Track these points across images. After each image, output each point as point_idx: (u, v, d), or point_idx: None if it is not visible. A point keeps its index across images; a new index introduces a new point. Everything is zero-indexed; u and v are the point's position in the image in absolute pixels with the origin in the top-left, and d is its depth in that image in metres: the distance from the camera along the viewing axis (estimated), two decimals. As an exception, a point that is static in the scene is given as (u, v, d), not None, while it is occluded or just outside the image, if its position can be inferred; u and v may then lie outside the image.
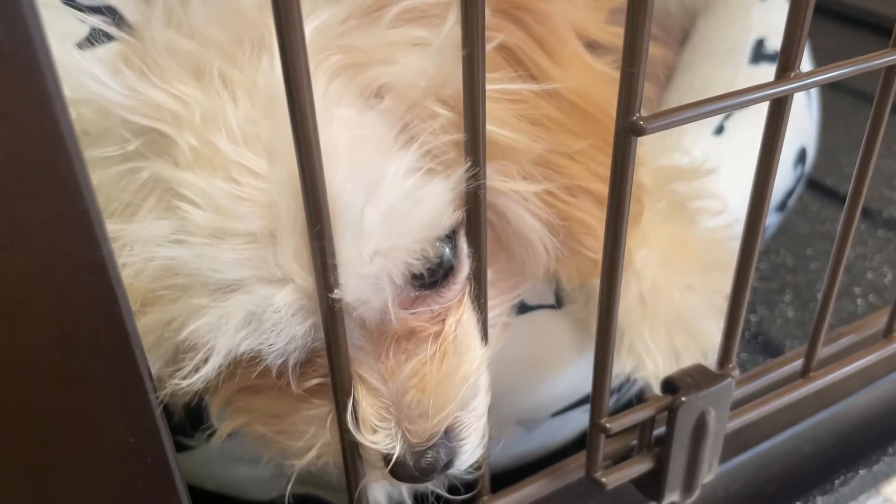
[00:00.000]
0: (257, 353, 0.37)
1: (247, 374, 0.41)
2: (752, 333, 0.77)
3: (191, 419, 0.54)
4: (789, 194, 0.74)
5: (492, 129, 0.38)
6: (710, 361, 0.47)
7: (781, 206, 0.75)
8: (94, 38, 0.47)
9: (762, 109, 0.37)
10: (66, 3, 0.54)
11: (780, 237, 0.88)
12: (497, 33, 0.41)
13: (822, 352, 0.52)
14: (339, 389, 0.36)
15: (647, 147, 0.48)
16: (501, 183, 0.41)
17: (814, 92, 0.76)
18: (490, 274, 0.42)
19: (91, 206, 0.24)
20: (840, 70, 0.37)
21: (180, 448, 0.55)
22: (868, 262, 0.85)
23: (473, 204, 0.34)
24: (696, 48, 0.78)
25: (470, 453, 0.42)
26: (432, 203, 0.38)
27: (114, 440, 0.30)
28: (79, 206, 0.24)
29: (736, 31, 0.74)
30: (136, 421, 0.29)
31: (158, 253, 0.36)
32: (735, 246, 0.42)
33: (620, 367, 0.51)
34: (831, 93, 1.11)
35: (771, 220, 0.75)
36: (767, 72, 0.74)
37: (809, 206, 0.94)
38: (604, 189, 0.41)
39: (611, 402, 0.55)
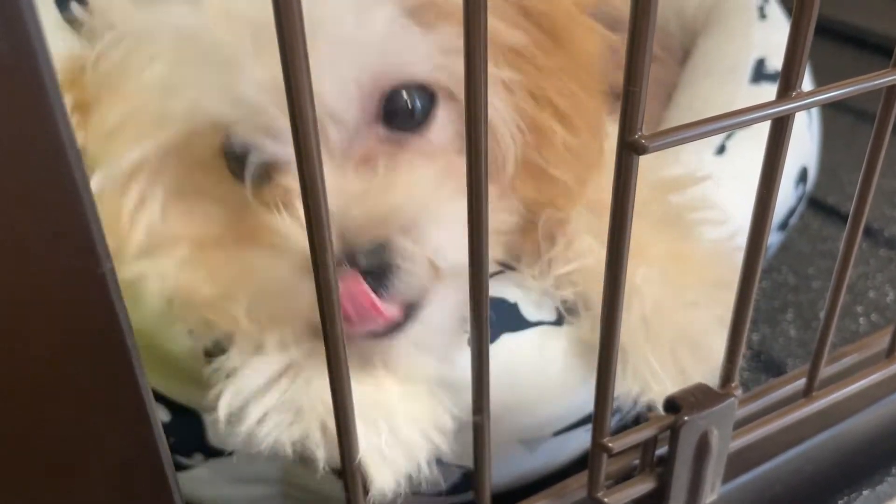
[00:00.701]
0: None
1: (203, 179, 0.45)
2: (754, 352, 0.77)
3: (189, 439, 0.54)
4: (791, 213, 0.74)
5: None
6: (715, 376, 0.47)
7: (783, 226, 0.75)
8: None
9: (763, 129, 0.38)
10: None
11: (782, 256, 0.88)
12: None
13: (825, 371, 0.52)
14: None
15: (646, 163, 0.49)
16: (496, 70, 0.45)
17: (814, 111, 0.76)
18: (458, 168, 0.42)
19: (93, 221, 0.24)
20: (841, 90, 0.37)
21: (178, 468, 0.55)
22: (870, 282, 0.85)
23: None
24: (696, 67, 0.78)
25: (403, 281, 0.42)
26: (411, 46, 0.42)
27: (113, 456, 0.29)
28: (81, 223, 0.24)
29: (736, 51, 0.75)
30: (135, 437, 0.29)
31: None
32: (738, 258, 0.42)
33: (625, 390, 0.51)
34: (831, 111, 1.11)
35: (773, 239, 0.75)
36: (768, 91, 0.74)
37: (811, 225, 0.94)
38: (565, 105, 0.48)
39: (613, 421, 0.55)
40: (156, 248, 0.47)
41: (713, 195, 0.57)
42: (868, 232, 0.93)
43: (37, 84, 0.22)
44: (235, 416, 0.43)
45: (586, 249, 0.51)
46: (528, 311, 0.52)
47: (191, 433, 0.53)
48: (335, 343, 0.32)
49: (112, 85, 0.46)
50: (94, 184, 0.46)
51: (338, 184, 0.42)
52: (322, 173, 0.28)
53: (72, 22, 0.54)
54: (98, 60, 0.46)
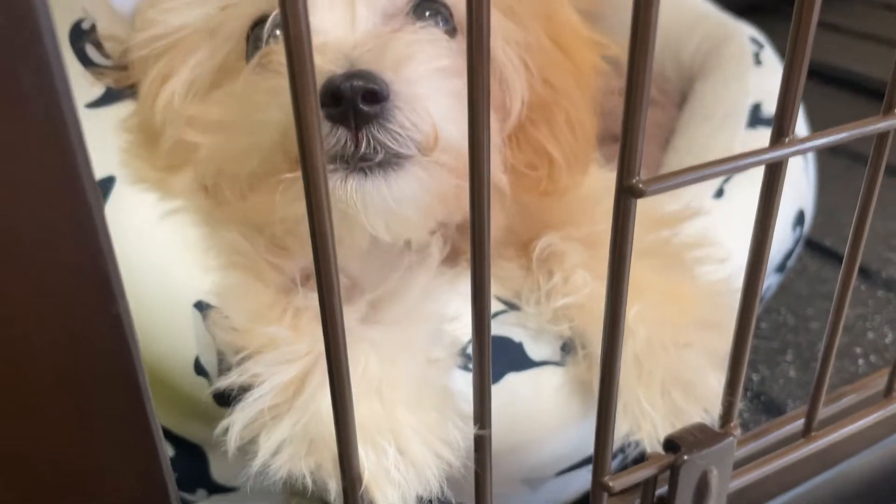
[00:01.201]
0: None
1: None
2: (754, 393, 0.78)
3: (193, 474, 0.54)
4: (788, 255, 0.75)
5: None
6: (713, 418, 0.47)
7: (781, 268, 0.75)
8: None
9: (760, 173, 0.39)
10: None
11: (781, 297, 0.89)
12: None
13: (824, 412, 0.52)
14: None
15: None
16: (500, 18, 0.49)
17: (810, 155, 0.78)
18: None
19: (111, 263, 0.25)
20: (833, 136, 0.38)
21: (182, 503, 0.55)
22: (868, 323, 0.86)
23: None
24: (693, 111, 0.79)
25: (400, 126, 0.43)
26: None
27: (120, 490, 0.30)
28: (99, 264, 0.25)
29: (732, 96, 0.76)
30: (143, 471, 0.30)
31: None
32: (734, 299, 0.43)
33: (617, 428, 0.51)
34: (828, 155, 1.13)
35: (771, 280, 0.76)
36: (765, 135, 0.75)
37: (809, 267, 0.95)
38: (568, 90, 0.52)
39: (615, 462, 0.55)
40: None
41: (711, 236, 0.58)
42: (866, 273, 0.94)
43: (62, 132, 0.23)
44: (246, 449, 0.44)
45: (581, 284, 0.52)
46: (533, 351, 0.52)
47: (195, 469, 0.53)
48: (335, 340, 0.32)
49: None
50: (136, 45, 0.51)
51: (355, 40, 0.45)
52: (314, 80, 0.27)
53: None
54: None
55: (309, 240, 0.28)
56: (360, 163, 0.44)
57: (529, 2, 0.52)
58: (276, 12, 0.47)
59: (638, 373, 0.50)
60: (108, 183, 0.51)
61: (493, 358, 0.35)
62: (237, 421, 0.44)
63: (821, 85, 1.44)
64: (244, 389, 0.45)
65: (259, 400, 0.44)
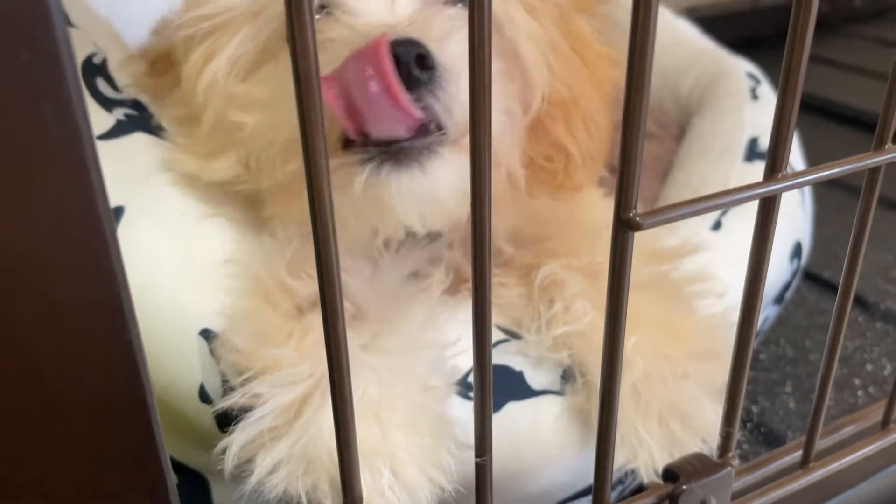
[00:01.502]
0: None
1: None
2: (753, 424, 0.78)
3: (195, 502, 0.55)
4: (786, 288, 0.76)
5: None
6: (711, 448, 0.47)
7: (779, 300, 0.76)
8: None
9: (756, 206, 0.39)
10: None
11: (780, 328, 0.89)
12: None
13: (822, 443, 0.52)
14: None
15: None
16: (525, 17, 0.52)
17: (806, 189, 0.79)
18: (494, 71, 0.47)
19: (123, 289, 0.26)
20: (826, 172, 0.39)
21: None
22: (867, 354, 0.86)
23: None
24: (691, 145, 0.81)
25: (450, 89, 0.44)
26: None
27: (128, 517, 0.30)
28: (112, 290, 0.26)
29: (730, 130, 0.78)
30: (151, 497, 0.30)
31: None
32: (730, 333, 0.43)
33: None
34: (825, 187, 1.14)
35: (769, 312, 0.76)
36: (762, 169, 0.76)
37: (807, 298, 0.96)
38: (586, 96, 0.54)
39: (614, 493, 0.55)
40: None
41: (710, 269, 0.59)
42: (864, 306, 0.95)
43: (80, 163, 0.24)
44: (243, 469, 0.44)
45: (581, 313, 0.53)
46: (533, 380, 0.53)
47: (197, 496, 0.53)
48: (337, 351, 0.33)
49: None
50: (181, 24, 0.52)
51: (396, 19, 0.46)
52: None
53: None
54: None
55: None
56: (395, 149, 0.44)
57: (549, 9, 0.54)
58: None
59: (636, 404, 0.50)
60: (117, 213, 0.52)
61: (493, 386, 0.36)
62: (237, 440, 0.44)
63: (819, 118, 1.45)
64: (245, 410, 0.45)
65: (260, 420, 0.44)
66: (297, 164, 0.47)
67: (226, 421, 0.49)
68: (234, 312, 0.50)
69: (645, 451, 0.50)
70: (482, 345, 0.34)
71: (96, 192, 0.24)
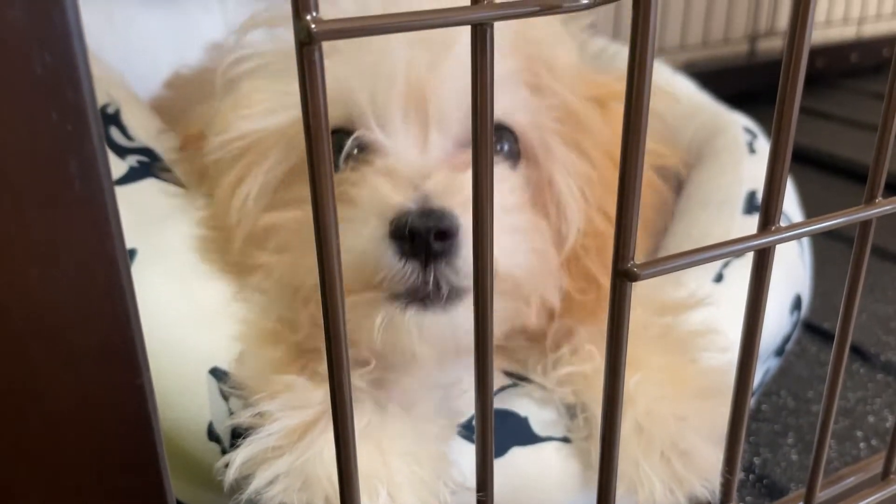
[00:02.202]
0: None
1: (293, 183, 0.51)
2: (756, 476, 0.78)
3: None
4: (787, 340, 0.76)
5: (571, 98, 0.53)
6: (713, 488, 0.47)
7: (780, 352, 0.77)
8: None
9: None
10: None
11: (781, 379, 0.90)
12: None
13: (824, 494, 0.52)
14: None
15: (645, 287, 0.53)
16: (561, 147, 0.52)
17: (805, 240, 0.80)
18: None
19: (137, 334, 0.27)
20: (819, 224, 0.40)
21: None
22: (869, 406, 0.86)
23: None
24: (690, 197, 0.82)
25: (464, 253, 0.45)
26: (519, 100, 0.51)
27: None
28: (126, 335, 0.27)
29: (728, 183, 0.79)
30: (158, 542, 0.31)
31: None
32: (730, 377, 0.44)
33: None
34: (825, 240, 1.15)
35: (770, 363, 0.77)
36: (760, 221, 0.78)
37: (808, 349, 0.96)
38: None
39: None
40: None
41: (713, 322, 0.59)
42: (864, 357, 0.95)
43: (100, 207, 0.25)
44: (244, 479, 0.45)
45: (587, 356, 0.54)
46: (538, 426, 0.53)
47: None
48: (342, 397, 0.33)
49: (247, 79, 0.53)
50: (213, 147, 0.53)
51: (427, 167, 0.47)
52: (335, 208, 0.29)
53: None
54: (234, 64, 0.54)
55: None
56: (422, 296, 0.46)
57: (594, 133, 0.55)
58: (358, 133, 0.50)
59: (638, 440, 0.51)
60: (130, 254, 0.54)
61: (497, 431, 0.36)
62: (240, 455, 0.46)
63: (818, 171, 1.47)
64: (252, 429, 0.47)
65: (266, 438, 0.46)
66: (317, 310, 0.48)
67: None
68: (246, 346, 0.51)
69: (646, 487, 0.50)
70: (483, 369, 0.35)
71: (115, 241, 0.25)
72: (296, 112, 0.50)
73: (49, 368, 0.26)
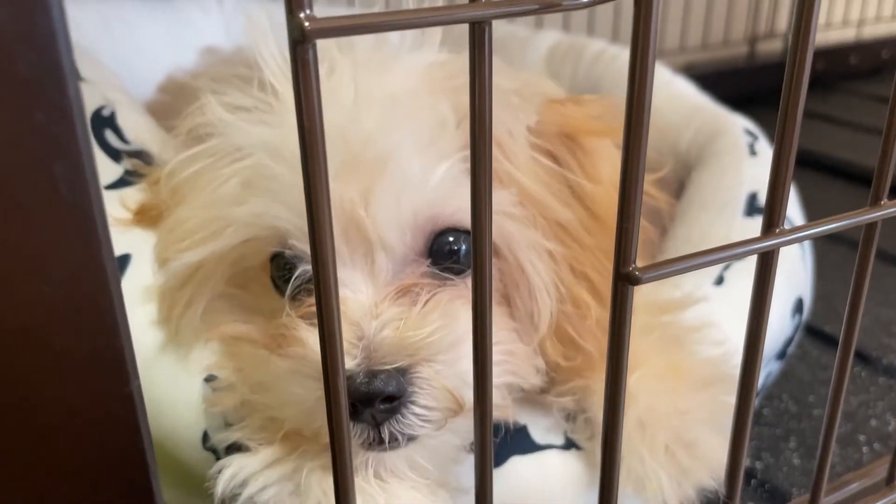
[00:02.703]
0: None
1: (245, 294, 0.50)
2: (758, 481, 0.77)
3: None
4: (788, 343, 0.76)
5: (529, 183, 0.50)
6: (719, 482, 0.47)
7: (781, 355, 0.76)
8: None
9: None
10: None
11: (783, 383, 0.89)
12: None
13: (828, 500, 0.52)
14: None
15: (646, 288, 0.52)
16: (525, 231, 0.50)
17: (807, 244, 0.79)
18: (496, 317, 0.48)
19: (126, 343, 0.26)
20: (823, 227, 0.40)
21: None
22: (871, 410, 0.86)
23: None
24: (691, 200, 0.81)
25: (420, 409, 0.44)
26: (465, 197, 0.45)
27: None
28: (115, 343, 0.26)
29: (729, 186, 0.78)
30: (148, 554, 0.30)
31: None
32: (730, 371, 0.43)
33: (621, 489, 0.51)
34: (826, 242, 1.15)
35: (772, 367, 0.76)
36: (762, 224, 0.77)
37: (810, 353, 0.96)
38: (600, 282, 0.52)
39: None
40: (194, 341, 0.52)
41: (711, 319, 0.59)
42: (867, 360, 0.94)
43: (86, 212, 0.25)
44: (235, 489, 0.45)
45: (587, 366, 0.53)
46: (537, 434, 0.53)
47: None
48: (342, 447, 0.33)
49: (185, 193, 0.52)
50: (159, 279, 0.52)
51: (374, 307, 0.46)
52: (337, 292, 0.29)
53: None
54: (174, 172, 0.52)
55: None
56: (377, 444, 0.45)
57: (556, 204, 0.52)
58: (302, 269, 0.48)
59: (641, 435, 0.50)
60: (125, 260, 0.53)
61: (497, 441, 0.36)
62: (234, 464, 0.46)
63: (816, 174, 1.47)
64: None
65: (259, 454, 0.46)
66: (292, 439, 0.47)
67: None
68: (237, 359, 0.50)
69: (654, 481, 0.49)
70: (483, 379, 0.34)
71: (103, 248, 0.25)
72: (232, 239, 0.49)
73: (36, 377, 0.26)
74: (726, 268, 0.70)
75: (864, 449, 0.80)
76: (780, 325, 0.70)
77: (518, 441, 0.52)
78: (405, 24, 0.28)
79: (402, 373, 0.44)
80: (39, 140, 0.22)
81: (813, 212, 0.80)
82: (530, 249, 0.50)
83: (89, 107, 0.61)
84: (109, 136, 0.61)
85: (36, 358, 0.26)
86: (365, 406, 0.43)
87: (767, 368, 0.73)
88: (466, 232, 0.49)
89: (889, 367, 0.93)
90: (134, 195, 0.57)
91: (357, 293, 0.47)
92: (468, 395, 0.45)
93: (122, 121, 0.63)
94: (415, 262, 0.49)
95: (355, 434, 0.44)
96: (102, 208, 0.24)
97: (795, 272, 0.74)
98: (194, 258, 0.50)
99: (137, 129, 0.63)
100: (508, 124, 0.51)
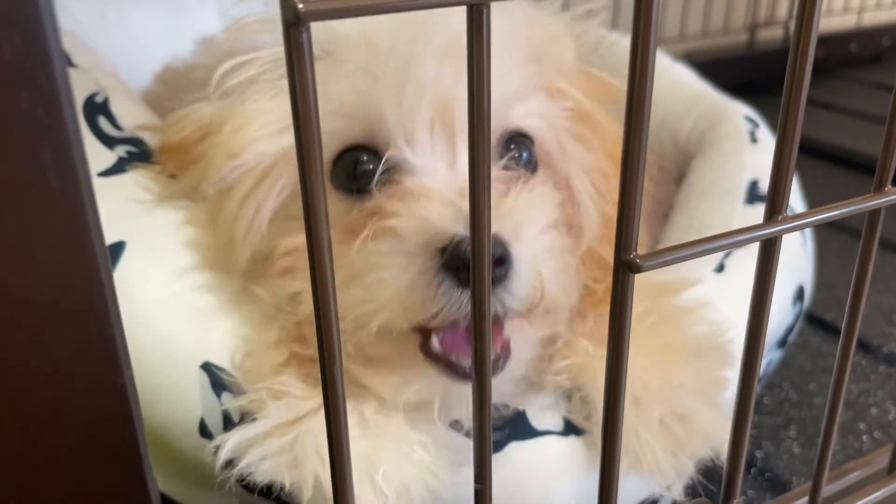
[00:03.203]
0: None
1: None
2: (758, 470, 0.77)
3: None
4: (789, 331, 0.75)
5: (582, 98, 0.53)
6: (716, 452, 0.48)
7: (782, 343, 0.76)
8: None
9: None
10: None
11: (783, 372, 0.89)
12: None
13: (829, 489, 0.52)
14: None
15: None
16: (575, 145, 0.52)
17: (808, 232, 0.79)
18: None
19: (118, 334, 0.26)
20: (826, 213, 0.39)
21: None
22: (871, 398, 0.85)
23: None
24: (692, 187, 0.81)
25: (522, 280, 0.45)
26: (535, 107, 0.52)
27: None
28: (106, 334, 0.26)
29: (730, 173, 0.78)
30: (143, 546, 0.29)
31: None
32: (723, 344, 0.43)
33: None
34: (826, 230, 1.14)
35: (773, 355, 0.76)
36: (763, 212, 0.77)
37: (811, 341, 0.95)
38: None
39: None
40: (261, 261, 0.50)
41: (703, 297, 0.59)
42: (867, 349, 0.94)
43: (75, 200, 0.24)
44: (236, 458, 0.46)
45: (582, 350, 0.53)
46: (536, 420, 0.52)
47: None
48: (334, 387, 0.32)
49: (245, 98, 0.51)
50: (219, 176, 0.50)
51: (463, 187, 0.45)
52: (325, 208, 0.28)
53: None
54: (226, 76, 0.51)
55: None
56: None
57: (605, 128, 0.55)
58: (390, 153, 0.48)
59: (635, 412, 0.50)
60: (119, 247, 0.52)
61: (496, 427, 0.35)
62: (234, 436, 0.46)
63: (819, 162, 1.46)
64: (246, 415, 0.47)
65: (259, 424, 0.46)
66: (386, 348, 0.47)
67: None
68: (248, 346, 0.50)
69: (649, 455, 0.49)
70: (482, 359, 0.34)
71: (93, 235, 0.24)
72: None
73: (26, 369, 0.25)
74: (727, 256, 0.69)
75: (865, 437, 0.80)
76: (781, 313, 0.70)
77: (517, 427, 0.52)
78: (401, 6, 0.28)
79: (505, 245, 0.44)
80: (25, 125, 0.22)
81: (812, 199, 0.79)
82: (579, 165, 0.52)
83: (82, 93, 0.61)
84: (103, 122, 0.60)
85: (25, 349, 0.25)
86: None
87: (768, 357, 0.73)
88: (528, 137, 0.52)
89: (890, 356, 0.93)
90: (128, 182, 0.56)
91: (445, 181, 0.47)
92: (549, 292, 0.46)
93: (116, 108, 0.62)
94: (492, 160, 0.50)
95: (462, 303, 0.43)
96: (92, 196, 0.24)
97: (797, 260, 0.73)
98: (264, 149, 0.48)
99: (131, 116, 0.62)
100: (562, 45, 0.54)
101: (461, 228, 0.43)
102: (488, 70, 0.28)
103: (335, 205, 0.49)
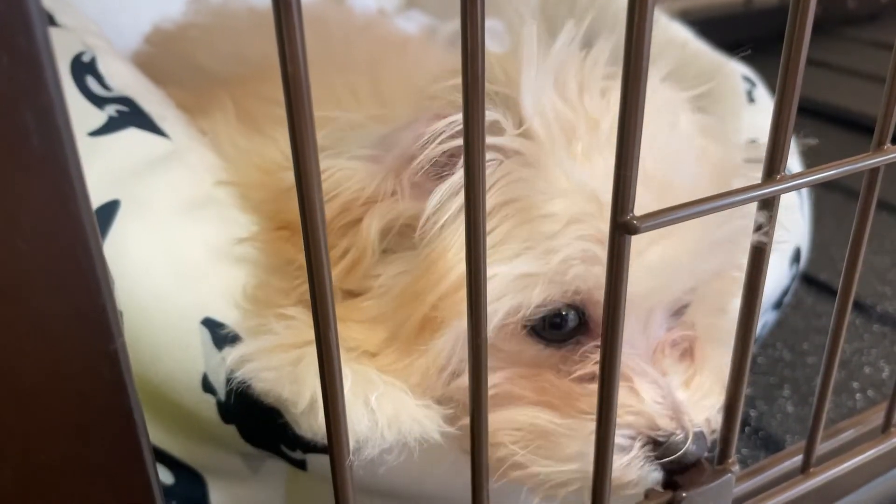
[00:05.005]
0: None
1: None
2: (752, 429, 0.77)
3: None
4: (785, 293, 0.75)
5: None
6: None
7: (778, 304, 0.76)
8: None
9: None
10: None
11: (777, 331, 0.89)
12: None
13: (823, 447, 0.52)
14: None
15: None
16: None
17: (804, 193, 0.78)
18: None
19: (108, 300, 0.26)
20: (825, 173, 0.39)
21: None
22: (865, 357, 0.86)
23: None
24: (688, 148, 0.80)
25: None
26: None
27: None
28: (97, 301, 0.25)
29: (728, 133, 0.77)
30: (138, 509, 0.29)
31: None
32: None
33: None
34: (821, 191, 1.14)
35: (768, 317, 0.76)
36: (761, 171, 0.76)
37: (804, 301, 0.96)
38: None
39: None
40: None
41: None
42: (861, 308, 0.94)
43: (63, 173, 0.23)
44: (239, 365, 0.47)
45: None
46: None
47: (193, 498, 0.53)
48: (326, 328, 0.32)
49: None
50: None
51: (653, 373, 0.47)
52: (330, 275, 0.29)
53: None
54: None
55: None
56: None
57: None
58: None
59: None
60: (112, 206, 0.51)
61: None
62: (242, 347, 0.47)
63: (814, 121, 1.45)
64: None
65: (272, 337, 0.47)
66: None
67: (229, 414, 0.50)
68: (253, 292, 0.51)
69: None
70: (477, 359, 0.34)
71: (80, 200, 0.24)
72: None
73: (15, 338, 0.25)
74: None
75: (858, 396, 0.80)
76: (778, 275, 0.70)
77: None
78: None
79: (703, 437, 0.46)
80: (6, 86, 0.21)
81: (809, 158, 0.79)
82: None
83: (68, 53, 0.59)
84: (91, 82, 0.59)
85: (15, 317, 0.25)
86: (681, 469, 0.45)
87: (764, 318, 0.73)
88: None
89: (883, 315, 0.93)
90: (119, 141, 0.55)
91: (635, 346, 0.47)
92: None
93: (104, 67, 0.61)
94: (661, 324, 0.49)
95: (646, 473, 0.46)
96: (77, 159, 0.23)
97: (794, 221, 0.73)
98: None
99: (120, 76, 0.61)
100: None
101: (676, 426, 0.45)
102: (482, 43, 0.27)
103: (528, 347, 0.47)
